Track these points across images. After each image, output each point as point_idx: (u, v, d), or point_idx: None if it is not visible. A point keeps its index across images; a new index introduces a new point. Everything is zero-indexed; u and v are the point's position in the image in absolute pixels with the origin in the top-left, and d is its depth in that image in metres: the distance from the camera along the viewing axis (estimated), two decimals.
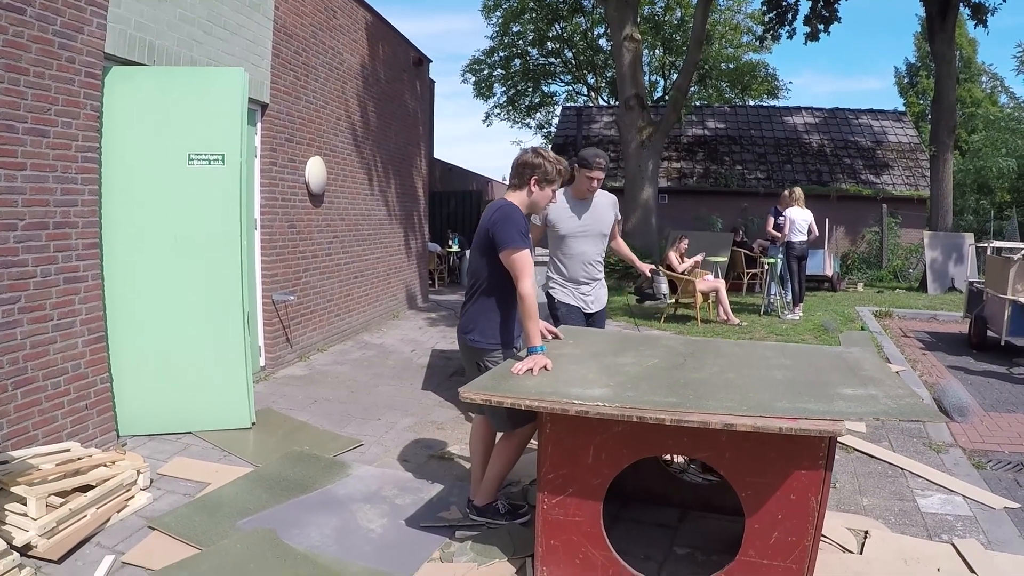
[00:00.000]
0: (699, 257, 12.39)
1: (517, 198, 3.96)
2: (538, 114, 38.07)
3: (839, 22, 19.70)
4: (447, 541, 3.98)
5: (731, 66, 32.82)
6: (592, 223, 5.38)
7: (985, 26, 18.69)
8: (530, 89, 36.89)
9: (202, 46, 6.79)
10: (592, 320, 5.50)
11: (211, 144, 5.89)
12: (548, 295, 5.47)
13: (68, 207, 5.17)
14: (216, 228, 5.90)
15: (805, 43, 20.17)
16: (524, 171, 3.92)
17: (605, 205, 5.47)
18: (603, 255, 5.57)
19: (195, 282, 5.86)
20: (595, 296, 5.50)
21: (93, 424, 5.32)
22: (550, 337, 4.23)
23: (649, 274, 5.75)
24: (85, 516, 3.99)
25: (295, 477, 4.83)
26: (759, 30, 24.38)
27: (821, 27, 19.82)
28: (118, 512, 4.21)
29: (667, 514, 4.13)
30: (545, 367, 3.54)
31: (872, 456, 5.49)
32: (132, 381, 5.70)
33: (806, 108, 26.04)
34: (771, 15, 20.91)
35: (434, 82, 26.93)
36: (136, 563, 3.67)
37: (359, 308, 10.85)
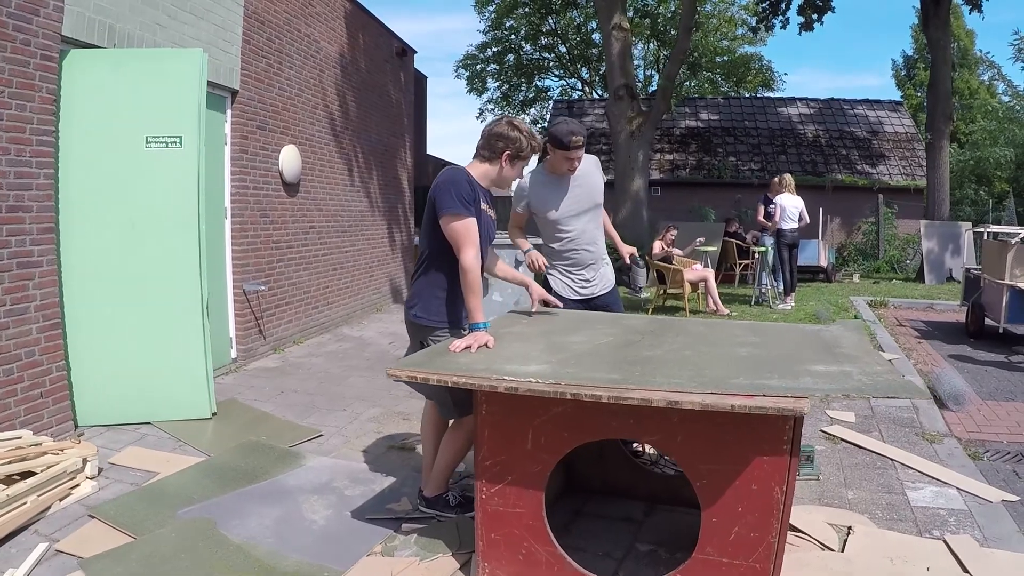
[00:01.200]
0: (700, 239, 12.13)
1: (479, 169, 3.66)
2: (532, 109, 37.81)
3: (832, 11, 19.47)
4: (391, 534, 3.76)
5: (725, 59, 32.54)
6: (583, 195, 4.62)
7: (980, 11, 18.44)
8: (524, 84, 36.60)
9: (166, 30, 6.64)
10: (602, 307, 4.80)
11: (169, 127, 5.76)
12: (547, 283, 4.95)
13: (22, 191, 5.04)
14: (173, 213, 5.77)
15: (800, 33, 19.94)
16: (497, 143, 3.59)
17: (589, 171, 4.67)
18: (600, 224, 4.83)
19: (152, 269, 5.73)
20: (600, 277, 4.78)
21: (49, 413, 5.18)
22: (551, 306, 4.11)
23: (628, 260, 5.17)
24: (25, 503, 3.89)
25: (246, 467, 4.71)
26: (754, 22, 24.05)
27: (815, 17, 19.59)
28: (60, 500, 4.13)
29: (634, 508, 3.83)
30: (486, 345, 3.28)
31: (860, 447, 5.19)
32: (90, 370, 5.58)
33: (801, 99, 25.76)
34: (764, 4, 20.68)
35: (426, 77, 26.78)
36: (69, 551, 3.58)
37: (338, 300, 10.60)
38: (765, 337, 3.46)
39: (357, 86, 11.30)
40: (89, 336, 5.60)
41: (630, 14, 30.39)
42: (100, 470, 4.59)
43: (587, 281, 4.74)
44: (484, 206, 3.63)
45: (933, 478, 4.58)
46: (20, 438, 4.49)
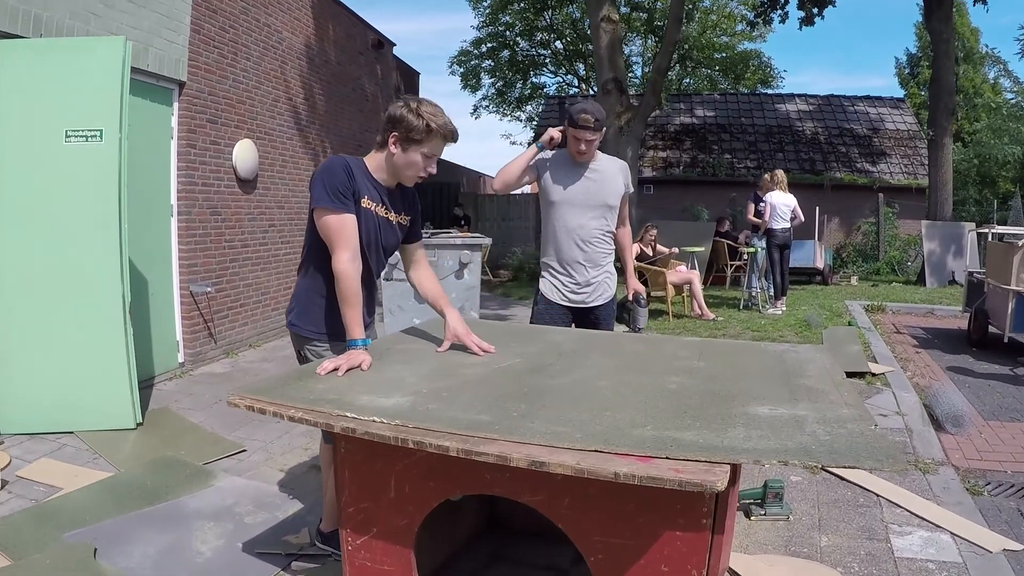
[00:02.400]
0: (674, 250, 11.52)
1: (373, 161, 3.09)
2: (528, 106, 37.16)
3: (833, 5, 18.84)
4: (279, 572, 3.35)
5: (724, 55, 31.96)
6: (594, 190, 4.24)
7: (984, 2, 17.84)
8: (519, 81, 36.01)
9: (101, 19, 6.27)
10: (591, 321, 4.39)
11: (89, 119, 5.45)
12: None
13: None
14: (93, 211, 5.46)
15: (800, 28, 19.30)
16: (386, 127, 3.01)
17: (612, 171, 4.32)
18: (610, 234, 4.38)
19: (72, 271, 5.45)
20: (596, 286, 4.35)
21: None
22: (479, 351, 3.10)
23: (631, 297, 4.73)
24: None
25: (152, 486, 4.44)
26: (752, 17, 23.45)
27: (815, 11, 18.97)
28: None
29: (562, 555, 3.15)
30: (361, 366, 2.74)
31: (842, 478, 4.56)
32: (11, 376, 5.39)
33: (800, 95, 25.09)
34: None
35: (418, 73, 26.20)
36: None
37: None
38: (713, 360, 2.85)
39: (326, 79, 10.80)
40: (9, 341, 5.39)
41: (625, 10, 29.92)
42: (4, 483, 4.43)
43: (578, 286, 4.34)
44: (370, 203, 3.03)
45: (924, 520, 3.96)
46: None
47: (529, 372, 2.68)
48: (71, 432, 5.41)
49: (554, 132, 4.15)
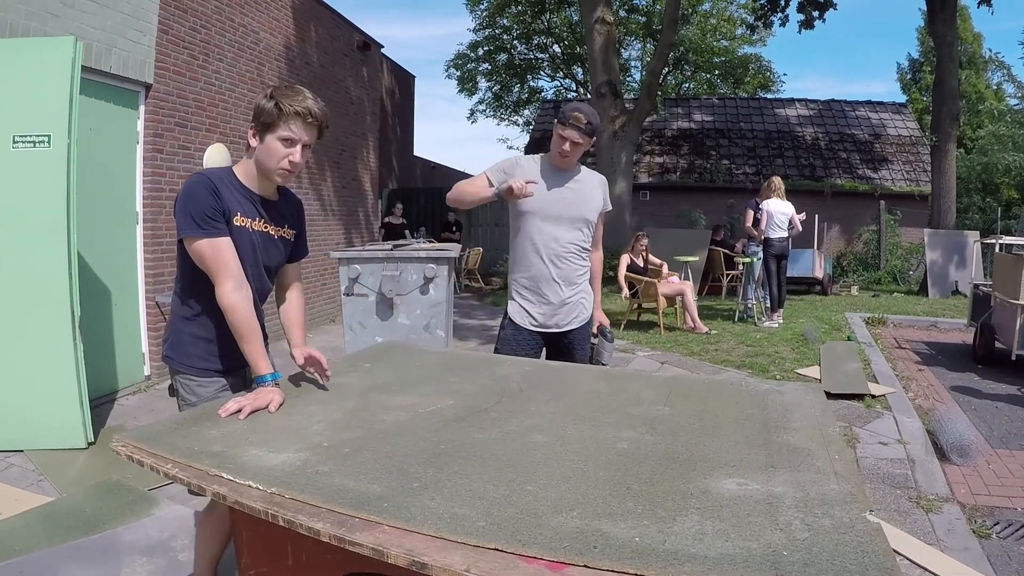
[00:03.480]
0: (663, 264, 11.11)
1: (243, 169, 2.67)
2: (525, 110, 36.75)
3: (835, 8, 18.52)
4: None
5: (723, 59, 31.59)
6: (572, 201, 3.85)
7: (989, 5, 17.47)
8: (516, 84, 35.63)
9: (59, 19, 5.98)
10: (565, 346, 3.99)
11: (36, 124, 5.18)
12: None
13: None
14: (41, 220, 5.19)
15: (799, 31, 19.00)
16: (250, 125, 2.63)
17: (592, 184, 3.96)
18: (586, 251, 3.99)
19: (20, 282, 5.20)
20: (570, 307, 3.94)
21: None
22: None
23: (595, 330, 4.19)
24: None
25: (91, 513, 4.22)
26: (752, 20, 23.06)
27: (815, 14, 18.64)
28: None
29: None
30: (268, 407, 2.38)
31: None
32: None
33: (800, 100, 24.73)
34: (762, 1, 19.73)
35: (414, 76, 25.93)
36: None
37: None
38: (681, 406, 2.44)
39: (307, 81, 10.43)
40: None
41: (623, 13, 29.57)
42: None
43: (551, 307, 3.90)
44: (244, 219, 2.61)
45: (927, 571, 3.55)
46: None
47: (456, 420, 2.30)
48: (20, 451, 5.21)
49: (514, 184, 3.63)
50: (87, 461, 5.11)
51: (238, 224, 2.57)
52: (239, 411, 2.32)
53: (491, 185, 3.85)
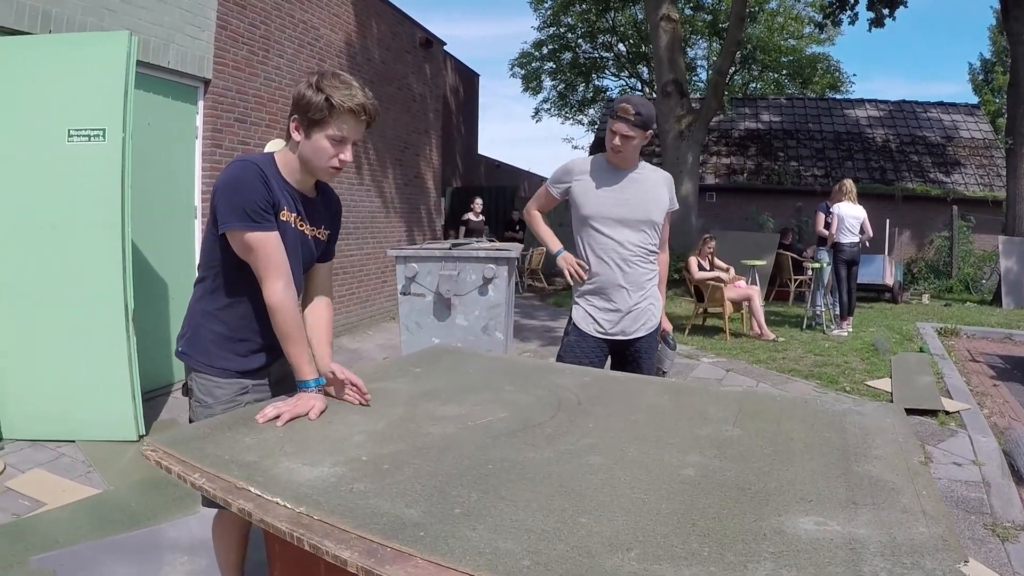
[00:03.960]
0: (730, 269, 10.76)
1: (283, 159, 2.44)
2: (590, 109, 36.40)
3: (905, 6, 17.90)
4: None
5: (791, 59, 30.93)
6: (636, 202, 3.65)
7: None
8: (581, 83, 35.34)
9: (116, 15, 5.97)
10: (631, 355, 3.81)
11: (91, 118, 5.10)
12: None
13: None
14: (96, 214, 5.13)
15: (869, 29, 18.41)
16: (290, 114, 2.39)
17: (656, 182, 3.73)
18: (653, 253, 3.78)
19: (74, 275, 5.16)
20: (638, 314, 3.75)
21: None
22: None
23: (658, 337, 3.99)
24: None
25: (136, 507, 4.21)
26: (820, 18, 22.47)
27: (886, 12, 18.05)
28: None
29: None
30: (308, 415, 2.24)
31: None
32: (16, 382, 5.22)
33: (870, 101, 24.02)
34: None
35: (478, 75, 25.90)
36: None
37: (339, 308, 9.75)
38: (751, 426, 2.23)
39: (369, 78, 10.37)
40: (12, 346, 5.20)
41: (689, 12, 29.14)
42: None
43: (618, 314, 3.72)
44: (288, 215, 2.42)
45: None
46: None
47: (508, 435, 2.12)
48: (72, 441, 5.22)
49: (566, 269, 3.77)
50: (137, 454, 4.96)
51: (284, 219, 2.39)
52: (277, 417, 2.18)
53: (555, 197, 3.84)
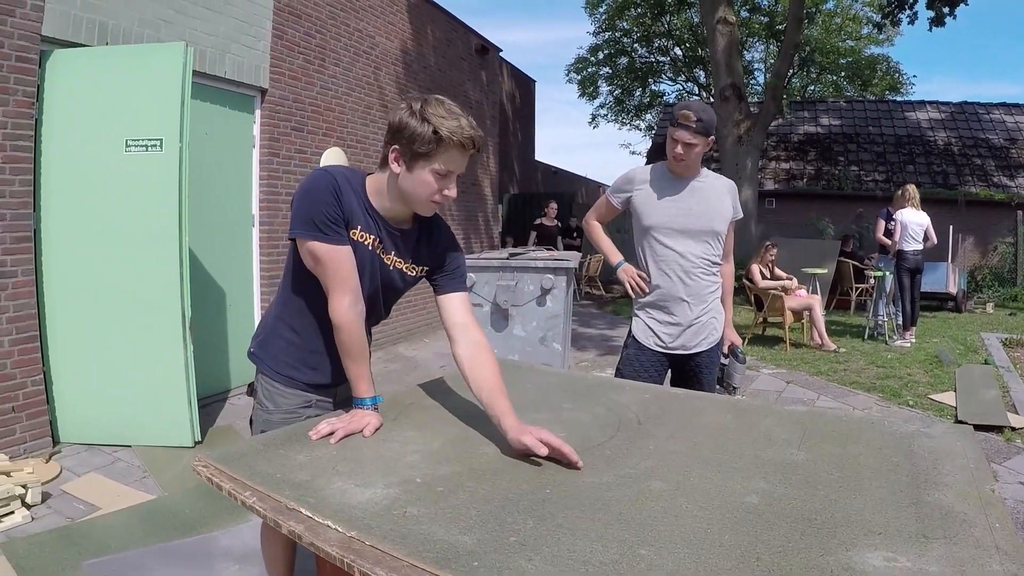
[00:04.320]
0: (792, 279, 10.51)
1: (374, 183, 2.32)
2: (647, 114, 36.17)
3: (966, 3, 17.44)
4: None
5: (849, 60, 30.38)
6: (698, 212, 3.54)
7: None
8: (638, 88, 35.13)
9: (172, 26, 6.08)
10: (691, 369, 3.71)
11: (148, 128, 5.19)
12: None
13: None
14: (153, 224, 5.22)
15: (930, 29, 17.93)
16: (386, 139, 2.26)
17: (719, 190, 3.61)
18: (716, 265, 3.67)
19: (132, 283, 5.26)
20: (699, 328, 3.64)
21: (22, 428, 5.00)
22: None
23: (726, 350, 3.91)
24: None
25: (189, 515, 4.22)
26: (879, 19, 22.00)
27: (946, 10, 17.61)
28: None
29: None
30: (363, 432, 2.19)
31: None
32: (73, 386, 5.31)
33: (931, 102, 23.40)
34: None
35: (534, 81, 25.90)
36: None
37: (396, 315, 9.71)
38: (817, 449, 2.11)
39: (425, 85, 10.41)
40: (71, 351, 5.30)
41: (745, 14, 28.80)
42: (47, 496, 4.40)
43: (679, 328, 3.63)
44: (363, 234, 2.30)
45: None
46: None
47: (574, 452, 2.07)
48: (128, 446, 5.30)
49: (627, 281, 3.71)
50: (192, 460, 5.04)
51: (356, 238, 2.29)
52: (331, 434, 2.14)
53: (615, 207, 3.78)
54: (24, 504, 4.25)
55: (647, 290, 3.64)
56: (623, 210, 3.78)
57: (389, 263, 2.40)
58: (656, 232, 3.58)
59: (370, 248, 2.33)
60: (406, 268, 2.44)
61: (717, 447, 2.18)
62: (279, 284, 2.51)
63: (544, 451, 1.99)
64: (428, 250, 2.47)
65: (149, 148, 5.18)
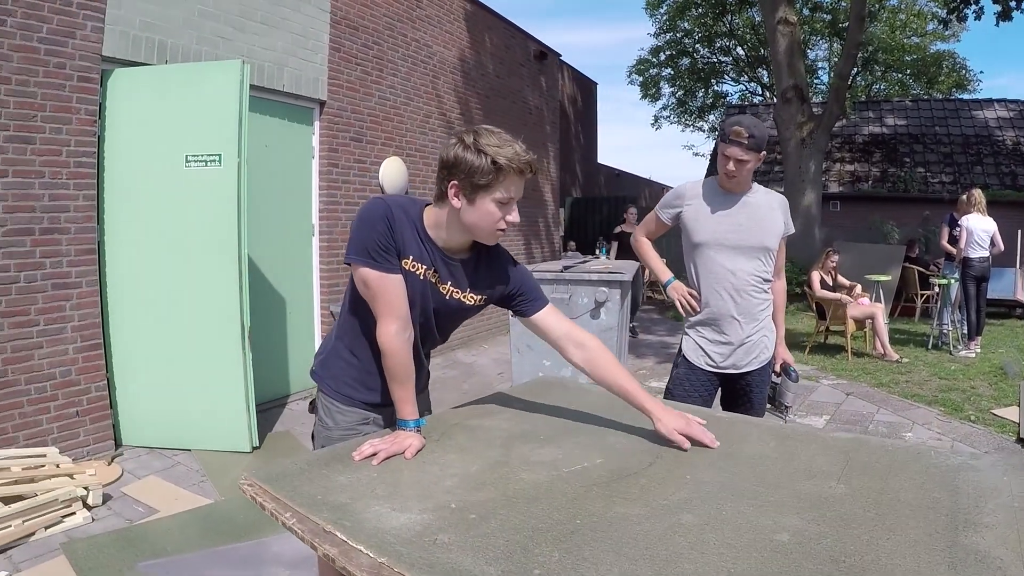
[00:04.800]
0: (856, 285, 10.29)
1: (432, 216, 2.37)
2: (711, 115, 35.71)
3: None
4: None
5: (914, 57, 29.60)
6: (749, 228, 3.49)
7: None
8: (700, 89, 34.75)
9: (231, 42, 6.26)
10: (742, 389, 3.65)
11: (207, 144, 5.40)
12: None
13: (58, 212, 5.06)
14: (213, 236, 5.40)
15: (996, 24, 17.39)
16: (440, 175, 2.30)
17: (769, 206, 3.56)
18: (767, 282, 3.60)
19: (192, 293, 5.47)
20: (750, 347, 3.57)
21: (86, 431, 5.24)
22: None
23: (778, 369, 3.83)
24: (9, 527, 3.97)
25: (243, 520, 4.29)
26: (944, 14, 21.36)
27: (1013, 3, 17.07)
28: (47, 528, 4.13)
29: None
30: (405, 453, 2.22)
31: None
32: (136, 391, 5.56)
33: (999, 100, 22.58)
34: None
35: (595, 84, 25.80)
36: None
37: None
38: (858, 482, 2.05)
39: (483, 92, 10.48)
40: (133, 358, 5.54)
41: (807, 12, 28.28)
42: (108, 498, 4.57)
43: (729, 347, 3.56)
44: (415, 264, 2.35)
45: None
46: (44, 456, 4.65)
47: (601, 485, 2.05)
48: (188, 450, 5.50)
49: (678, 300, 3.68)
50: (249, 465, 5.14)
51: (407, 267, 2.34)
52: (374, 455, 2.18)
53: (664, 223, 3.74)
54: (85, 505, 4.39)
55: (698, 308, 3.60)
56: (672, 226, 3.74)
57: (445, 292, 2.44)
58: (706, 248, 3.52)
59: (422, 278, 2.37)
60: (464, 297, 2.48)
61: (755, 478, 2.14)
62: (340, 307, 2.57)
63: (687, 446, 2.29)
64: (488, 278, 2.51)
65: (208, 163, 5.33)
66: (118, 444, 5.50)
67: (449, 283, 2.43)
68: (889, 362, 9.23)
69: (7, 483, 4.23)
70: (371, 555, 1.63)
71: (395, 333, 2.30)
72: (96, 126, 5.29)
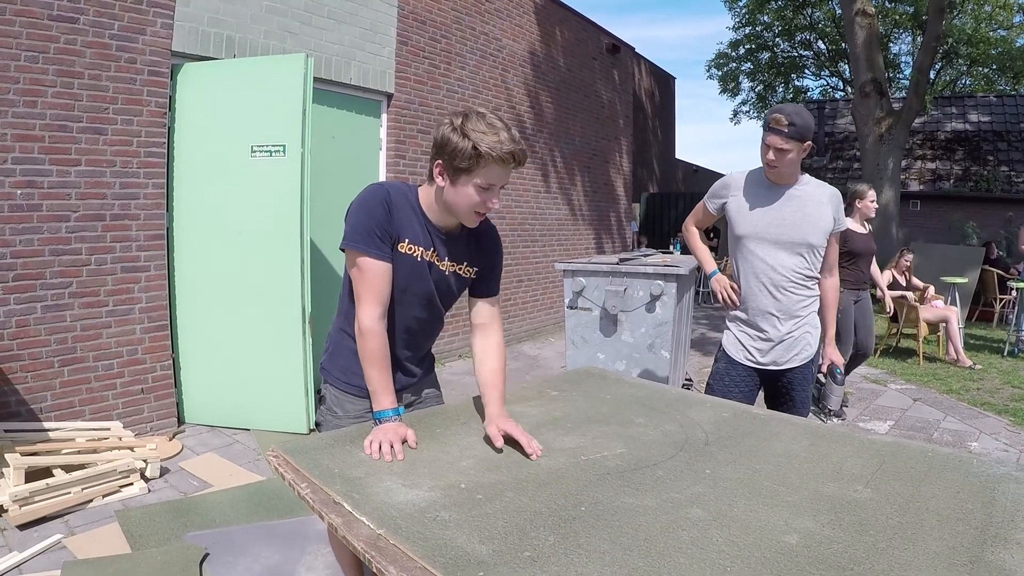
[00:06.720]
0: (929, 287, 9.95)
1: (425, 195, 2.42)
2: None
3: None
4: None
5: (1000, 51, 28.33)
6: (793, 222, 3.36)
7: None
8: (780, 84, 34.01)
9: (297, 36, 6.38)
10: (783, 386, 3.56)
11: (272, 135, 5.50)
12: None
13: (128, 200, 5.28)
14: (277, 224, 5.52)
15: None
16: (431, 154, 2.33)
17: (817, 200, 3.39)
18: (811, 279, 3.47)
19: (256, 279, 5.59)
20: (791, 343, 3.48)
21: (150, 408, 5.48)
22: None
23: (824, 370, 3.73)
24: (68, 493, 4.16)
25: (291, 497, 4.49)
26: None
27: None
28: (105, 496, 4.33)
29: None
30: (392, 446, 2.16)
31: None
32: (199, 371, 5.77)
33: None
34: None
35: (674, 78, 25.53)
36: (71, 547, 3.73)
37: (523, 314, 9.91)
38: (887, 488, 1.98)
39: (554, 85, 10.47)
40: (198, 339, 5.74)
41: (887, 4, 27.43)
42: (166, 471, 4.79)
43: (769, 343, 3.48)
44: (411, 247, 2.38)
45: None
46: (108, 429, 4.93)
47: (615, 475, 2.05)
48: (247, 429, 5.69)
49: (719, 292, 3.63)
50: (303, 446, 5.27)
51: (402, 251, 2.38)
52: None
53: (711, 213, 3.69)
54: (143, 477, 4.60)
55: (739, 303, 3.55)
56: (719, 216, 3.67)
57: (444, 269, 2.48)
58: (747, 241, 3.44)
59: (419, 259, 2.41)
60: (461, 271, 2.54)
61: (778, 477, 2.09)
62: (338, 297, 2.61)
63: (500, 443, 2.23)
64: (478, 251, 2.57)
65: (273, 153, 5.45)
66: (180, 422, 5.71)
67: (447, 259, 2.48)
68: (962, 368, 8.92)
69: (71, 452, 4.45)
70: (371, 526, 1.68)
71: (376, 318, 2.33)
72: (166, 118, 5.49)
